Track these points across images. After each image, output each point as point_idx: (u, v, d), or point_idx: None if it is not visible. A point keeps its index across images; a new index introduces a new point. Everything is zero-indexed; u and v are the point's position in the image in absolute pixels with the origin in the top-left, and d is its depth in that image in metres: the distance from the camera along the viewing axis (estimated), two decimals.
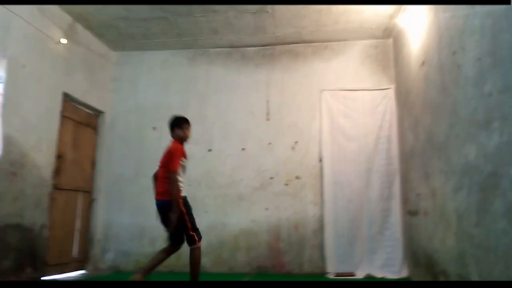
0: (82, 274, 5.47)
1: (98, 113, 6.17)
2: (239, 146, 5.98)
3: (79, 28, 5.59)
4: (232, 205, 5.81)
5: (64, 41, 5.20)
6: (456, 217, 3.33)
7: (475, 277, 2.95)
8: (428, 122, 4.13)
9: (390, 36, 5.84)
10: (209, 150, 6.02)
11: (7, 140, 4.24)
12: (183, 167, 3.92)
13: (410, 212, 4.95)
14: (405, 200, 5.22)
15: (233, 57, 6.29)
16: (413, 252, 4.83)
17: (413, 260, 4.87)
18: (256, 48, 6.25)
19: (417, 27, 4.51)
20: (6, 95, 4.22)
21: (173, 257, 5.68)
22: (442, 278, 3.71)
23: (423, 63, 4.30)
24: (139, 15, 5.30)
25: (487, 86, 2.75)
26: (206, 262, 5.66)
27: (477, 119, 2.91)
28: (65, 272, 5.28)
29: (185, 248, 5.75)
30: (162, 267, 5.68)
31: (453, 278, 3.40)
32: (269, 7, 5.09)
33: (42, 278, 4.79)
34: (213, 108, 6.16)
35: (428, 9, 4.09)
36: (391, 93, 5.71)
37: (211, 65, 6.32)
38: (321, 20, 5.44)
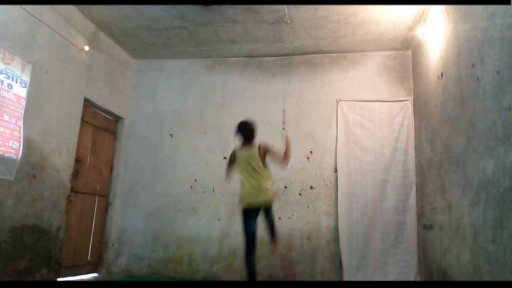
0: (95, 277, 5.54)
1: (117, 119, 6.30)
2: None
3: (102, 36, 5.74)
4: None
5: (87, 48, 5.35)
6: (472, 232, 3.25)
7: None
8: (446, 134, 4.07)
9: (409, 47, 5.81)
10: (224, 158, 6.06)
11: (28, 143, 4.37)
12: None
13: (425, 226, 4.87)
14: (420, 214, 5.13)
15: (250, 66, 6.35)
16: (427, 267, 4.73)
17: (427, 275, 4.77)
18: (274, 58, 6.29)
19: (436, 38, 4.48)
20: (29, 99, 4.36)
21: (184, 263, 5.79)
22: None
23: (441, 75, 4.25)
24: (160, 24, 5.42)
25: (506, 100, 2.70)
26: (217, 269, 5.68)
27: (495, 133, 2.86)
28: (79, 274, 5.36)
29: (198, 253, 5.80)
30: (173, 273, 5.75)
31: None
32: (287, 18, 5.14)
33: (59, 279, 4.88)
34: (230, 116, 6.20)
35: (447, 20, 4.07)
36: (408, 104, 5.66)
37: (229, 74, 6.38)
38: (340, 31, 5.45)
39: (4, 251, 4.06)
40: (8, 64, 4.09)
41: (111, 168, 6.16)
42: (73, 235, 5.26)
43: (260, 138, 6.03)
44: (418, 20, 5.07)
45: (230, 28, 5.46)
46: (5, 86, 4.04)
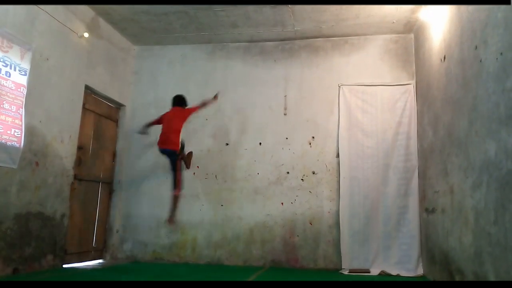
0: (100, 263, 5.61)
1: (118, 105, 6.29)
2: (256, 141, 5.99)
3: (102, 22, 5.69)
4: (248, 199, 5.84)
5: (86, 35, 5.31)
6: (474, 214, 3.26)
7: (491, 276, 2.89)
8: (448, 118, 4.04)
9: (411, 30, 5.73)
10: (227, 144, 6.06)
11: (30, 131, 4.38)
12: None
13: (427, 209, 4.88)
14: (422, 197, 5.14)
15: (252, 51, 6.30)
16: (429, 250, 4.75)
17: (428, 258, 4.80)
18: (275, 42, 6.23)
19: (439, 21, 4.41)
20: (29, 87, 4.34)
21: (188, 248, 5.85)
22: (457, 276, 3.65)
23: (444, 58, 4.21)
24: (160, 9, 5.36)
25: (509, 81, 2.68)
26: (221, 254, 5.74)
27: (498, 115, 2.84)
28: (84, 261, 5.43)
29: (201, 239, 5.85)
30: (177, 258, 5.82)
31: (469, 276, 3.34)
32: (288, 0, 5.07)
33: (64, 266, 4.94)
34: (231, 102, 6.18)
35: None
36: (410, 88, 5.62)
37: (230, 59, 6.34)
38: (342, 14, 5.38)
39: (10, 238, 4.11)
40: (6, 51, 4.07)
41: (114, 155, 6.18)
42: (77, 222, 5.31)
43: (261, 123, 6.06)
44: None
45: (231, 12, 5.40)
46: (3, 74, 4.02)
